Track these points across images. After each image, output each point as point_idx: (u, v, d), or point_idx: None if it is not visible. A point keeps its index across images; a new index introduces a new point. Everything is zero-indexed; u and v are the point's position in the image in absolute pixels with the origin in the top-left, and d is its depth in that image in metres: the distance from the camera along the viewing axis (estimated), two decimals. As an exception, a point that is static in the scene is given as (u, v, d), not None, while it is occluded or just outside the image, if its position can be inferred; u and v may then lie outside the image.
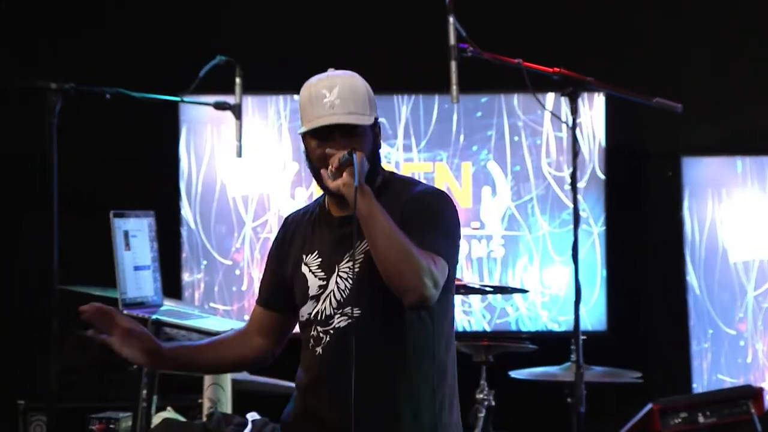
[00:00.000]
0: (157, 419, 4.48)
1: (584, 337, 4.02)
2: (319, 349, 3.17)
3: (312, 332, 3.18)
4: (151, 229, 4.70)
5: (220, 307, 6.25)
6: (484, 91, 6.22)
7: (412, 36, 6.22)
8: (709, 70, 6.44)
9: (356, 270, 3.11)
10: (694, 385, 6.15)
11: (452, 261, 3.10)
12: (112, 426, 4.74)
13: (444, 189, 6.13)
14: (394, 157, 6.23)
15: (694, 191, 6.22)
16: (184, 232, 6.27)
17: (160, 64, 6.30)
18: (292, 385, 4.18)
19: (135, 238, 4.57)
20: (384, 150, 6.23)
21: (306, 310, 3.20)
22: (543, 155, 6.26)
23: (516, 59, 3.99)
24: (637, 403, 5.32)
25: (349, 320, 3.11)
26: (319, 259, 3.20)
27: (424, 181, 3.35)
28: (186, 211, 6.27)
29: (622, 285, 6.35)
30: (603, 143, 6.23)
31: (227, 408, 4.40)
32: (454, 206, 3.20)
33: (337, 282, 3.16)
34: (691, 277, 6.19)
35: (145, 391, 4.54)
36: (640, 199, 6.53)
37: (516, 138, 6.28)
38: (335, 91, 3.12)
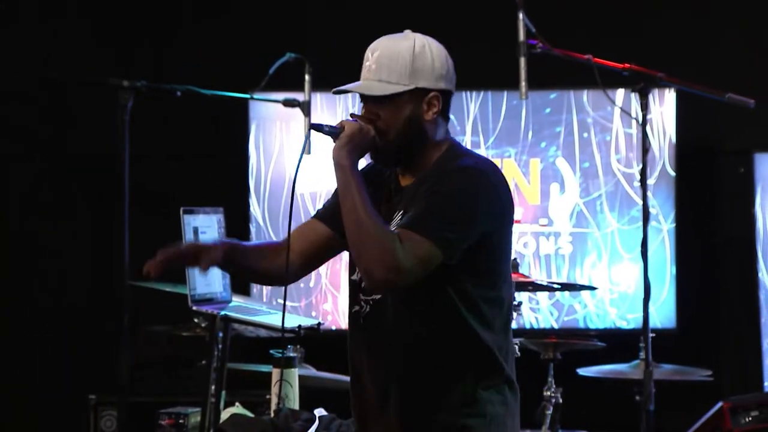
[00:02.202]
0: (225, 414, 4.50)
1: (653, 335, 3.99)
2: (361, 319, 3.09)
3: (357, 296, 3.10)
4: (220, 226, 4.73)
5: (288, 303, 6.27)
6: (553, 87, 6.19)
7: (482, 32, 6.21)
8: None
9: None
10: (766, 384, 6.08)
11: (445, 243, 2.91)
12: (181, 421, 4.78)
13: (512, 185, 6.15)
14: (462, 154, 6.22)
15: (766, 187, 6.16)
16: (252, 228, 6.30)
17: (230, 62, 6.34)
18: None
19: (204, 235, 4.59)
20: (452, 146, 6.24)
21: (357, 273, 3.09)
22: (612, 152, 6.23)
23: (586, 55, 3.97)
24: (707, 402, 5.28)
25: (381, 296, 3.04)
26: None
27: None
28: (255, 208, 6.31)
29: (692, 282, 6.30)
30: (673, 139, 6.18)
31: (294, 404, 4.41)
32: (486, 181, 3.01)
33: None
34: (764, 274, 6.12)
35: (213, 387, 4.57)
36: (711, 195, 6.47)
37: (585, 134, 6.24)
38: (375, 56, 3.04)
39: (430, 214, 2.93)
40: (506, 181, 3.08)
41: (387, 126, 3.04)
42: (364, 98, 3.07)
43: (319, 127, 3.09)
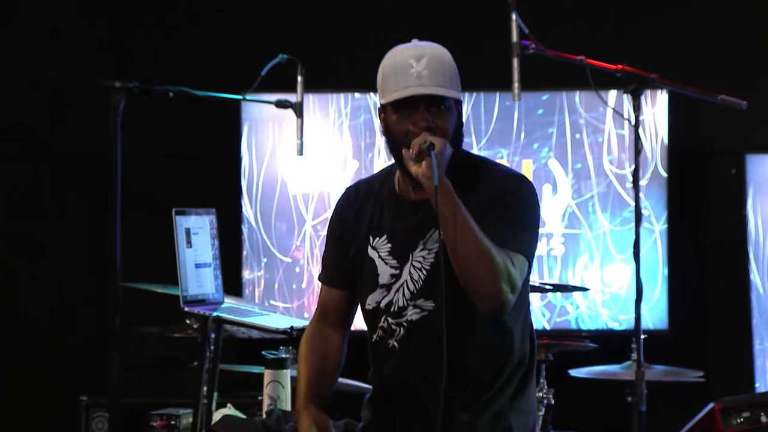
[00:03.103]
0: (217, 416, 4.50)
1: (645, 336, 3.99)
2: (392, 342, 3.05)
3: (381, 323, 3.06)
4: (212, 227, 4.72)
5: (280, 304, 6.27)
6: (545, 88, 6.19)
7: (474, 33, 6.21)
8: (773, 66, 6.39)
9: (432, 261, 2.98)
10: (757, 385, 6.09)
11: (531, 255, 2.97)
12: (173, 422, 4.77)
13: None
14: (454, 155, 6.22)
15: (758, 189, 6.17)
16: (244, 229, 6.30)
17: (222, 63, 6.34)
18: (348, 381, 4.16)
19: (196, 236, 4.59)
20: (444, 148, 6.24)
21: (374, 299, 3.07)
22: (605, 153, 6.23)
23: (579, 56, 3.97)
24: (699, 403, 5.27)
25: (423, 313, 3.00)
26: (389, 245, 3.06)
27: (506, 163, 3.25)
28: (247, 209, 6.30)
29: (684, 284, 6.30)
30: (666, 141, 6.19)
31: (287, 405, 4.41)
32: (536, 192, 3.06)
33: (410, 272, 3.02)
34: (755, 276, 6.13)
35: (205, 388, 4.56)
36: (703, 197, 6.48)
37: (577, 135, 6.25)
38: (423, 62, 2.96)
39: (516, 228, 2.94)
40: None
41: (446, 136, 2.99)
42: (416, 106, 2.97)
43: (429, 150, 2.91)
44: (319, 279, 3.28)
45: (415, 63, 2.96)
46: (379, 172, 3.21)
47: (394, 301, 3.05)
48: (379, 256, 3.07)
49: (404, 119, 2.97)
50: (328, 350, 3.20)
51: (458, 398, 3.01)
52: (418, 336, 3.01)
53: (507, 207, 2.96)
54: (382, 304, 3.07)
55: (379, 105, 3.05)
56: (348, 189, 3.23)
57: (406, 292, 3.04)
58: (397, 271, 3.05)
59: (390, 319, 3.05)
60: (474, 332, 3.01)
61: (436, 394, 2.89)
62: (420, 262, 3.02)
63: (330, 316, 3.21)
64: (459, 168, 3.02)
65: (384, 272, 3.06)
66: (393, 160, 3.08)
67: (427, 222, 2.99)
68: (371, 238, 3.09)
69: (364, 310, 3.14)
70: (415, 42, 3.04)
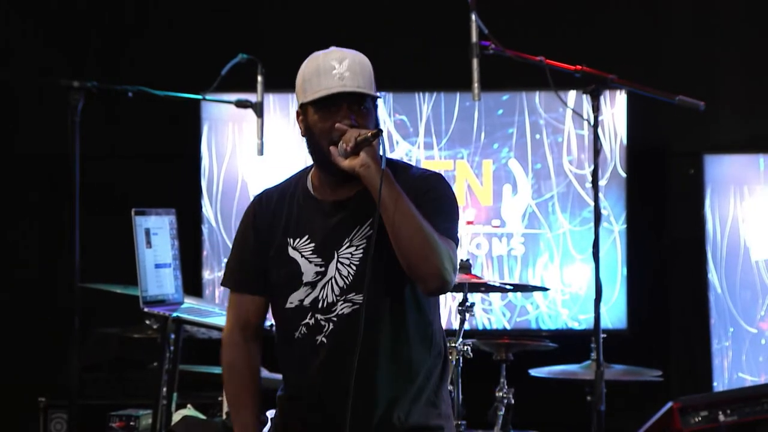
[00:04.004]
0: (177, 417, 4.49)
1: (604, 336, 4.01)
2: (320, 338, 3.10)
3: (306, 320, 3.11)
4: (172, 227, 4.71)
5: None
6: (505, 88, 6.21)
7: (434, 34, 6.22)
8: (732, 68, 6.42)
9: (360, 256, 3.06)
10: (715, 384, 6.13)
11: (458, 243, 3.09)
12: (132, 423, 4.76)
13: (464, 186, 6.17)
14: (414, 155, 6.23)
15: (716, 189, 6.20)
16: (205, 229, 6.28)
17: (182, 63, 6.31)
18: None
19: (156, 236, 4.58)
20: (405, 147, 6.25)
21: (297, 297, 3.12)
22: (564, 153, 6.25)
23: (538, 57, 3.99)
24: (658, 402, 5.31)
25: (354, 307, 3.06)
26: (312, 244, 3.11)
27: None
28: (207, 209, 6.28)
29: (643, 283, 6.33)
30: (624, 141, 6.22)
31: (248, 405, 4.39)
32: (450, 186, 3.17)
33: (338, 268, 3.08)
34: (713, 276, 6.17)
35: (165, 389, 4.55)
36: (662, 197, 6.51)
37: (537, 136, 6.27)
38: (345, 64, 3.03)
39: (445, 218, 3.04)
40: None
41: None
42: (338, 106, 3.03)
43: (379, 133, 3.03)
44: (230, 287, 3.27)
45: (337, 65, 3.03)
46: (288, 178, 3.26)
47: (321, 297, 3.10)
48: (302, 256, 3.12)
49: (326, 118, 3.03)
50: (254, 371, 3.27)
51: (390, 387, 3.10)
52: (349, 329, 3.05)
53: (433, 201, 3.06)
54: (306, 302, 3.11)
55: (297, 107, 3.12)
56: (257, 197, 3.27)
57: (335, 287, 3.09)
58: (323, 269, 3.10)
59: (318, 315, 3.11)
60: (403, 324, 3.10)
61: (369, 385, 3.04)
62: (348, 259, 3.08)
63: (249, 326, 3.25)
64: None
65: (308, 270, 3.11)
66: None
67: (352, 220, 3.07)
68: (291, 240, 3.14)
69: (281, 310, 3.17)
70: (334, 48, 3.11)
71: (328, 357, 3.10)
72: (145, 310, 4.42)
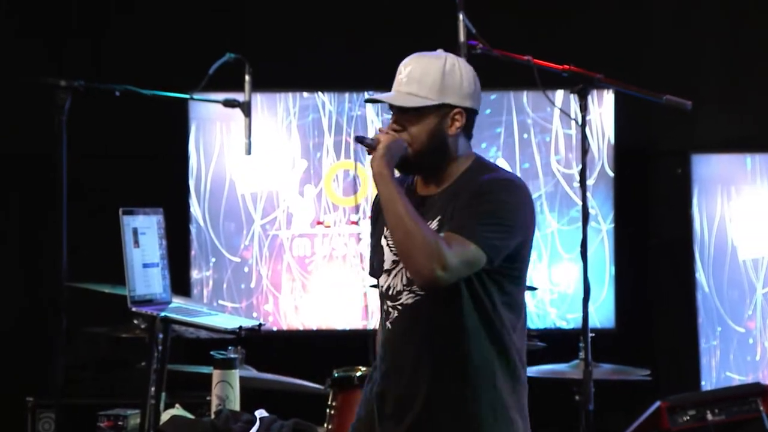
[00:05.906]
0: (165, 416, 4.48)
1: (593, 335, 4.02)
2: (388, 324, 3.22)
3: (384, 306, 3.25)
4: (160, 227, 4.70)
5: (228, 304, 6.25)
6: (493, 88, 6.20)
7: (422, 33, 6.20)
8: (719, 67, 6.43)
9: None
10: (703, 383, 6.14)
11: (490, 248, 3.08)
12: (120, 423, 4.74)
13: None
14: (402, 155, 6.22)
15: (703, 188, 6.21)
16: (193, 229, 6.27)
17: (169, 62, 6.30)
18: (299, 381, 4.17)
19: (144, 236, 4.56)
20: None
21: (381, 283, 3.26)
22: (552, 153, 6.26)
23: (525, 56, 3.99)
24: (646, 401, 5.32)
25: (417, 298, 3.16)
26: None
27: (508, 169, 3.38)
28: (195, 209, 6.27)
29: (631, 283, 6.34)
30: (612, 140, 6.22)
31: (235, 405, 4.40)
32: (522, 194, 3.20)
33: None
34: (700, 275, 6.18)
35: (153, 389, 4.54)
36: (649, 196, 6.52)
37: (525, 135, 6.27)
38: (407, 70, 3.19)
39: (476, 221, 3.08)
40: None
41: (412, 137, 3.19)
42: (393, 109, 3.21)
43: (362, 139, 3.21)
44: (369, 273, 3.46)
45: (402, 70, 3.22)
46: None
47: (392, 285, 3.22)
48: (387, 244, 3.25)
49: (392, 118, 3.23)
50: None
51: (452, 385, 3.16)
52: (409, 319, 3.17)
53: (478, 204, 3.11)
54: (384, 288, 3.25)
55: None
56: None
57: (404, 277, 3.19)
58: (398, 257, 3.20)
59: (389, 302, 3.23)
60: (461, 322, 3.15)
61: (416, 379, 3.15)
62: None
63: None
64: (464, 172, 3.20)
65: (388, 258, 3.24)
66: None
67: (426, 216, 3.16)
68: (385, 228, 3.25)
69: (379, 291, 3.32)
70: (428, 53, 3.24)
71: (392, 344, 3.22)
72: (133, 309, 4.40)
